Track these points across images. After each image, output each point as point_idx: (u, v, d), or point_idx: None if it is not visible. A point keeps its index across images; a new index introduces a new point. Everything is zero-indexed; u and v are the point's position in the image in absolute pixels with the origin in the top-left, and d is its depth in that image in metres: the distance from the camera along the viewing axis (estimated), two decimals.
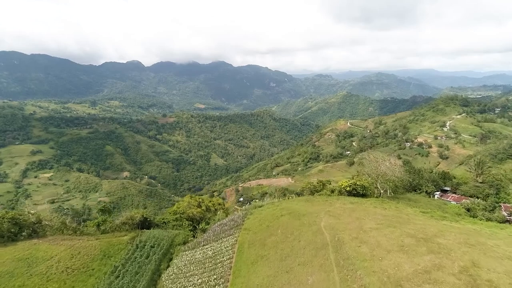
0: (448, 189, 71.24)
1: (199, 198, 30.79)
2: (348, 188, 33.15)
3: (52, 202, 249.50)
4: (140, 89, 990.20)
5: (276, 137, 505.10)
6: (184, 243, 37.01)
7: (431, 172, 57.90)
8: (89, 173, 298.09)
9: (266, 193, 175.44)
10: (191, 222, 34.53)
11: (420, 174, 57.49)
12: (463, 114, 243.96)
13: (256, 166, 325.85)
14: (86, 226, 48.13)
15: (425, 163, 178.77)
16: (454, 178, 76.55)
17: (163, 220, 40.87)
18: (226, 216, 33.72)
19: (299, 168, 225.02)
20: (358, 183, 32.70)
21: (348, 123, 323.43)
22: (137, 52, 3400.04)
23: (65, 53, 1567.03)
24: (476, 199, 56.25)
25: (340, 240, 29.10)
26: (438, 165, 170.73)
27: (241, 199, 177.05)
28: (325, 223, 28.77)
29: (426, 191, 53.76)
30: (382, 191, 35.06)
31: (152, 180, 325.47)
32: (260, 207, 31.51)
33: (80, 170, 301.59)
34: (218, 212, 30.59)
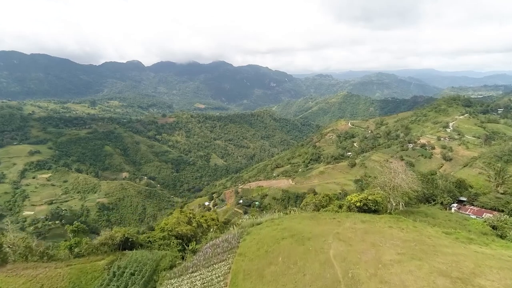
0: (465, 199, 65.14)
1: (190, 213, 26.20)
2: (358, 204, 29.10)
3: (50, 203, 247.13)
4: (140, 89, 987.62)
5: (277, 137, 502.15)
6: (171, 267, 31.87)
7: (446, 181, 52.01)
8: (87, 174, 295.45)
9: (266, 195, 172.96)
10: (180, 241, 29.96)
11: (434, 183, 52.08)
12: (466, 115, 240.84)
13: (256, 167, 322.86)
14: (58, 249, 40.45)
15: (427, 164, 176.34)
16: (471, 187, 70.94)
17: (148, 239, 35.45)
18: (221, 233, 29.66)
19: (300, 170, 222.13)
20: (370, 197, 28.81)
21: (349, 124, 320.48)
22: (137, 52, 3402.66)
23: (65, 53, 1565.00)
24: (499, 212, 51.40)
25: (354, 277, 23.64)
26: (441, 166, 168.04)
27: (241, 201, 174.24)
28: (335, 251, 24.08)
29: (441, 203, 48.94)
30: (394, 204, 31.77)
31: (152, 181, 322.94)
32: (258, 224, 27.27)
33: (78, 170, 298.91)
34: (211, 230, 26.19)
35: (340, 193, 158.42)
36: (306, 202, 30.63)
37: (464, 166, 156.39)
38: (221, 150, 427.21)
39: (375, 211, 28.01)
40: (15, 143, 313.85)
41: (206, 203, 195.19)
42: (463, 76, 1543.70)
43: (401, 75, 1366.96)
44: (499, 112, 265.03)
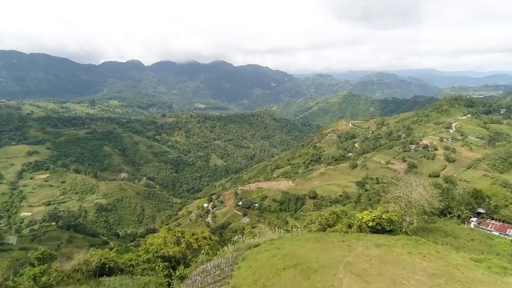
0: (483, 211, 58.20)
1: (178, 232, 22.19)
2: (371, 223, 25.34)
3: (48, 204, 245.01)
4: (139, 89, 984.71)
5: (277, 137, 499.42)
6: None
7: (463, 192, 46.86)
8: (86, 174, 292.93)
9: (266, 197, 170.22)
10: (167, 263, 25.30)
11: (450, 194, 46.94)
12: (468, 115, 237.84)
13: (256, 168, 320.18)
14: (22, 276, 32.65)
15: (429, 165, 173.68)
16: (488, 197, 66.52)
17: (130, 262, 29.54)
18: (214, 253, 25.93)
19: (300, 171, 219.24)
20: (384, 216, 25.39)
21: (350, 124, 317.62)
22: (137, 51, 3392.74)
23: (65, 52, 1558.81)
24: None
25: None
26: (444, 168, 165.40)
27: (240, 203, 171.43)
28: None
29: (458, 216, 43.76)
30: (408, 221, 28.23)
31: (151, 181, 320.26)
32: (256, 246, 23.78)
33: (77, 171, 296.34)
34: (203, 251, 22.26)
35: (341, 195, 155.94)
36: (311, 220, 26.85)
37: (468, 168, 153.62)
38: (221, 150, 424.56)
39: (390, 231, 24.79)
40: (13, 143, 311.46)
41: (205, 205, 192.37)
42: (463, 76, 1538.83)
43: (402, 75, 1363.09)
44: (502, 112, 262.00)
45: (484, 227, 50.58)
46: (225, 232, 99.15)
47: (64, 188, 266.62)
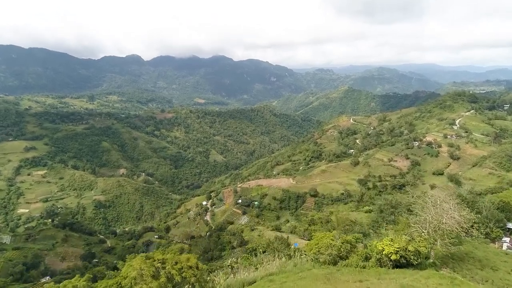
0: None
1: (157, 262, 17.27)
2: (394, 256, 20.47)
3: (46, 200, 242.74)
4: (139, 84, 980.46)
5: (277, 133, 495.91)
6: None
7: (490, 205, 39.95)
8: (84, 170, 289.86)
9: (266, 194, 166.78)
10: None
11: (475, 208, 39.21)
12: (472, 111, 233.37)
13: (256, 164, 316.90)
14: None
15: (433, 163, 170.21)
16: None
17: None
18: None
19: (301, 168, 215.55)
20: (410, 248, 20.14)
21: (351, 120, 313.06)
22: (137, 46, 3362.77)
23: (64, 47, 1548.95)
24: None
25: None
26: (448, 166, 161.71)
27: (240, 201, 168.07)
28: None
29: (485, 234, 36.14)
30: (432, 253, 22.53)
31: (150, 178, 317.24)
32: (251, 284, 19.83)
33: (75, 167, 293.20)
34: (187, 286, 17.62)
35: (343, 193, 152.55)
36: (319, 249, 22.36)
37: (473, 166, 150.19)
38: (221, 146, 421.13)
39: (415, 264, 20.43)
40: (10, 139, 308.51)
41: (204, 203, 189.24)
42: (464, 71, 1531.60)
43: (402, 70, 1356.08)
44: (506, 108, 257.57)
45: None
46: (223, 234, 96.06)
47: (62, 185, 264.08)
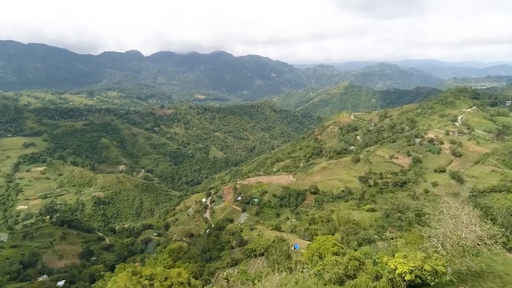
0: None
1: (145, 279, 15.57)
2: (408, 277, 18.15)
3: (45, 197, 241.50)
4: (139, 80, 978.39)
5: (277, 129, 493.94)
6: None
7: (505, 211, 36.21)
8: (83, 167, 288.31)
9: (266, 192, 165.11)
10: None
11: (490, 215, 35.51)
12: (474, 107, 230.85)
13: (256, 160, 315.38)
14: None
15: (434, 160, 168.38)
16: None
17: None
18: None
19: (301, 165, 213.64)
20: (426, 267, 17.81)
21: (352, 116, 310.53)
22: (136, 41, 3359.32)
23: (63, 42, 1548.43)
24: None
25: None
26: (450, 163, 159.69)
27: (239, 198, 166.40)
28: None
29: (503, 244, 31.97)
30: (449, 269, 20.22)
31: (149, 174, 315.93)
32: None
33: (74, 163, 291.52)
34: None
35: (343, 191, 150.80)
36: (324, 267, 20.28)
37: (476, 163, 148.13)
38: (221, 142, 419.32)
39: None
40: (9, 135, 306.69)
41: (203, 200, 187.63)
42: (466, 67, 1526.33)
43: (403, 66, 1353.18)
44: (507, 104, 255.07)
45: None
46: (222, 233, 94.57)
47: (61, 181, 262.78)
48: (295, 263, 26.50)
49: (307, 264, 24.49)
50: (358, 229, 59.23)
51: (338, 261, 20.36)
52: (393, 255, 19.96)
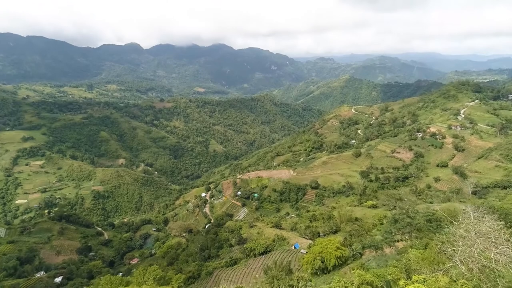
0: None
1: None
2: None
3: (44, 191, 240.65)
4: (138, 73, 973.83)
5: (277, 122, 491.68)
6: None
7: None
8: (82, 161, 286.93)
9: (266, 186, 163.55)
10: None
11: (508, 220, 33.02)
12: (476, 101, 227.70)
13: (256, 154, 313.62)
14: None
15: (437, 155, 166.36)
16: None
17: None
18: None
19: (301, 159, 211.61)
20: None
21: (353, 109, 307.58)
22: (136, 34, 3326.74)
23: (62, 35, 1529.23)
24: None
25: None
26: (453, 157, 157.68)
27: (239, 193, 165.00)
28: None
29: None
30: None
31: (149, 168, 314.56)
32: None
33: (73, 157, 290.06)
34: None
35: (344, 186, 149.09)
36: None
37: (479, 158, 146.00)
38: (220, 135, 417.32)
39: None
40: (7, 129, 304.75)
41: (203, 194, 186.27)
42: (467, 60, 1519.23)
43: (404, 59, 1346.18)
44: (510, 98, 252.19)
45: None
46: (220, 231, 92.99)
47: (60, 175, 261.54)
48: (297, 280, 24.59)
49: (310, 281, 22.54)
50: (361, 230, 57.37)
51: (346, 285, 18.28)
52: (409, 277, 17.73)
